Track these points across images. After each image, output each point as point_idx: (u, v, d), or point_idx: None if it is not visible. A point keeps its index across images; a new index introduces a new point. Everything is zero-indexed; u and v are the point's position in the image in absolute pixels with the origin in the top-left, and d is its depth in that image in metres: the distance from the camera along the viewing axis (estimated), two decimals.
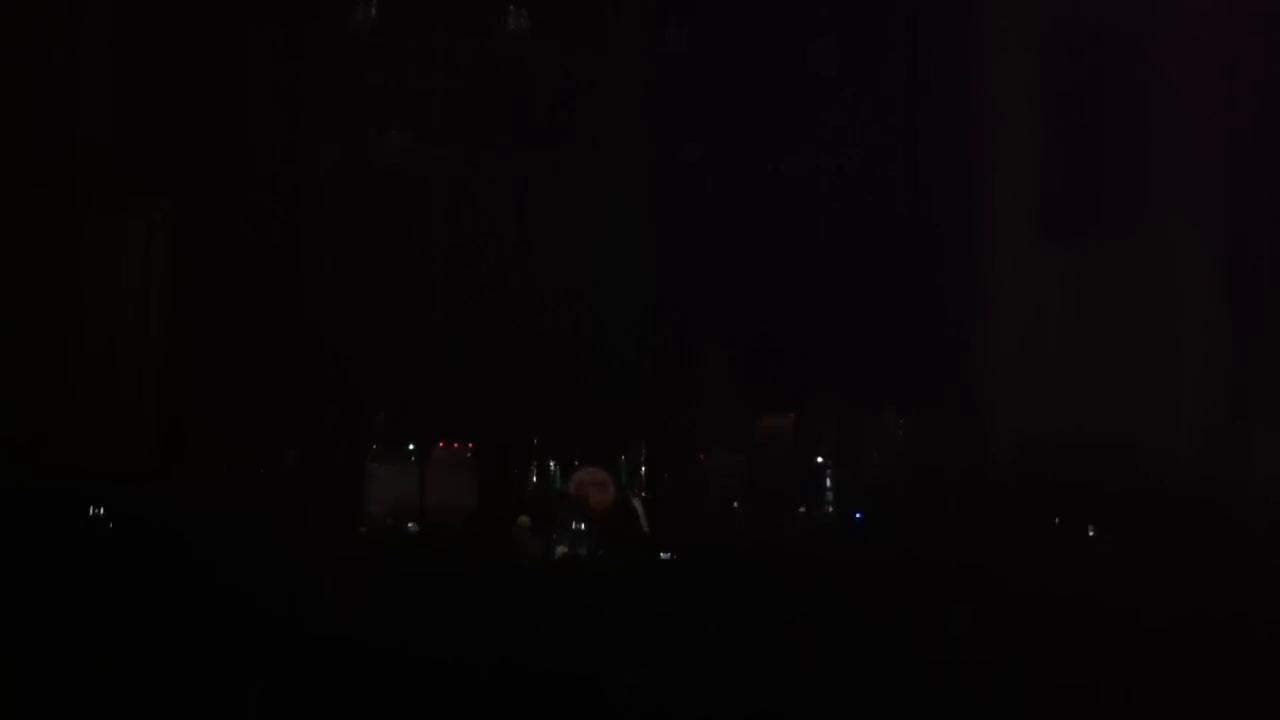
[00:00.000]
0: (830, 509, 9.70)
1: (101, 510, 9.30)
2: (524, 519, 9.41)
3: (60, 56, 10.13)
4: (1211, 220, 10.04)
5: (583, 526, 9.32)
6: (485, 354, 10.24)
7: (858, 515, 9.60)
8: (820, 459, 9.80)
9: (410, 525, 9.49)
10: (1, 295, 10.00)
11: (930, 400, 9.99)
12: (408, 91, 10.46)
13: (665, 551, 9.20)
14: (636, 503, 9.66)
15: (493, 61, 10.48)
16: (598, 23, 10.46)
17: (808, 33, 10.47)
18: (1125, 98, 10.14)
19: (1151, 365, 9.93)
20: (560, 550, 9.25)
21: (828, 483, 9.73)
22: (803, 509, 9.68)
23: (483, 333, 10.32)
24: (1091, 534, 9.36)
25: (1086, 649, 8.16)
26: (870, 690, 7.98)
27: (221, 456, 9.82)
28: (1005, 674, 8.04)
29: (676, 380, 10.26)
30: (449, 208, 10.50)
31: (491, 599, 8.50)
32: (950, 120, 10.28)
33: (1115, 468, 9.57)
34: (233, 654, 8.10)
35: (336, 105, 10.42)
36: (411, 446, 9.81)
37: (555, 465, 9.85)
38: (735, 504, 9.73)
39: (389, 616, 8.33)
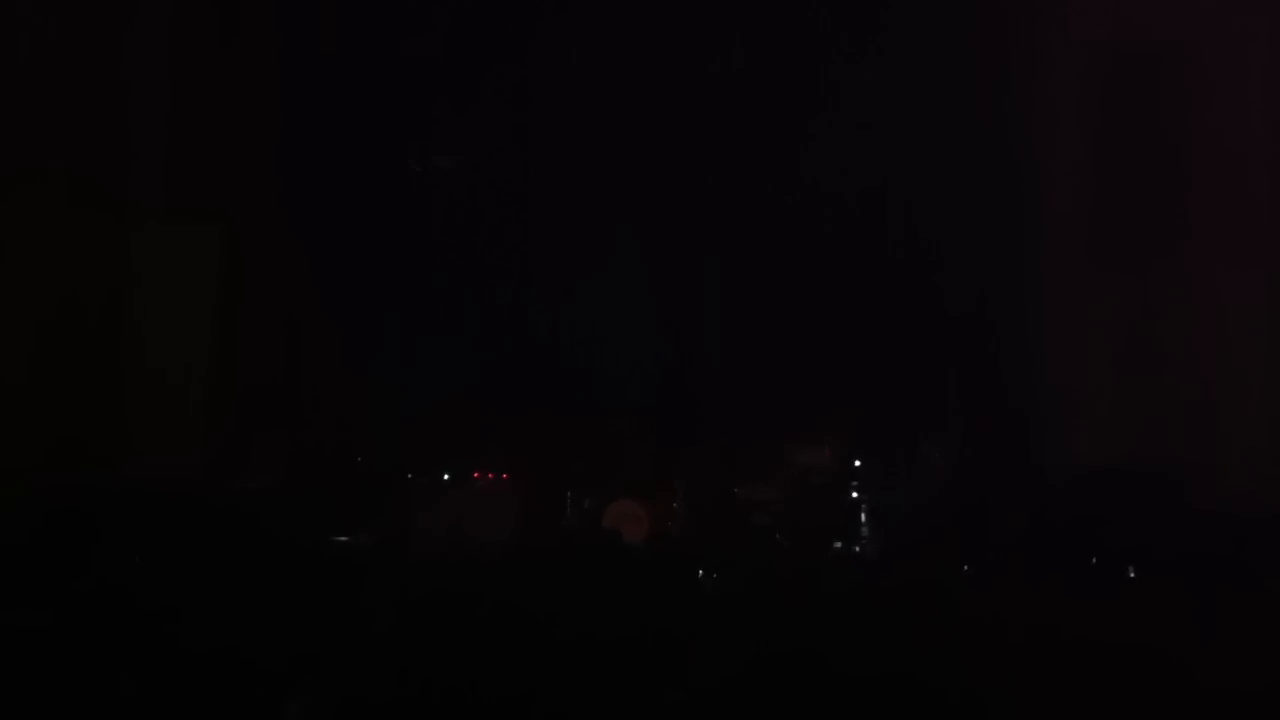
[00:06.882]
0: (865, 543, 9.46)
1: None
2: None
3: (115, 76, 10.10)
4: (1273, 247, 9.75)
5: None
6: (525, 387, 10.08)
7: None
8: (855, 493, 9.56)
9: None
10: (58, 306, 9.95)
11: (977, 431, 9.72)
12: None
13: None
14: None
15: None
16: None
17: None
18: (1184, 121, 9.86)
19: (1206, 394, 9.65)
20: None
21: (862, 516, 9.49)
22: (839, 543, 9.45)
23: (525, 365, 10.14)
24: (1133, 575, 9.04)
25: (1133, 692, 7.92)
26: None
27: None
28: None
29: (711, 413, 10.03)
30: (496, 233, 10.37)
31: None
32: (1002, 147, 9.97)
33: (1166, 499, 9.26)
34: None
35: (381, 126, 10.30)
36: (447, 476, 9.72)
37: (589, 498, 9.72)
38: (777, 537, 9.52)
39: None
